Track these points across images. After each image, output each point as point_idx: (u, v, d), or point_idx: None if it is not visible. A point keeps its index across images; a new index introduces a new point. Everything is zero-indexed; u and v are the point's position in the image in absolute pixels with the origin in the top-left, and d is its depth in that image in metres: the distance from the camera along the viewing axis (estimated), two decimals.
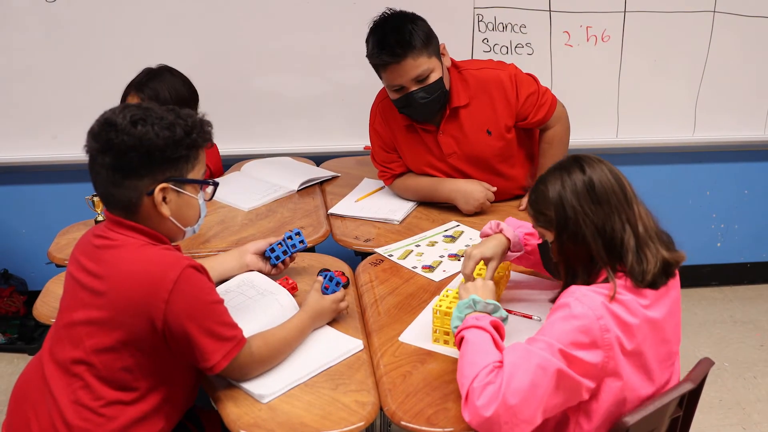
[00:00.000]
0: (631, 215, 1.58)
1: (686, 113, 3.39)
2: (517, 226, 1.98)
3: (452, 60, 2.46)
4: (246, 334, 1.64)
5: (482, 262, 1.88)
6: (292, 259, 2.08)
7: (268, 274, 2.04)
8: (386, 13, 2.36)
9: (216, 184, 1.71)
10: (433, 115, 2.44)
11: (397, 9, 2.37)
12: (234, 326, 1.60)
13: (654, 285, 1.56)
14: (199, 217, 1.69)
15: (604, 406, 1.53)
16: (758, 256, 3.81)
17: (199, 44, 3.03)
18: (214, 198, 2.31)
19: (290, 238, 2.07)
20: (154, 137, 1.53)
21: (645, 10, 3.16)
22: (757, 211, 3.70)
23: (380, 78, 2.40)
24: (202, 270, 1.58)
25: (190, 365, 1.62)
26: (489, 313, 1.64)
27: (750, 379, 3.12)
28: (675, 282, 1.63)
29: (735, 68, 3.32)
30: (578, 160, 1.62)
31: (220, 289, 1.95)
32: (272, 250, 2.05)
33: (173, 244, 1.67)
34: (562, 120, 2.55)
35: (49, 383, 1.59)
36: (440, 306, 1.77)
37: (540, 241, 1.85)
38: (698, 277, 3.76)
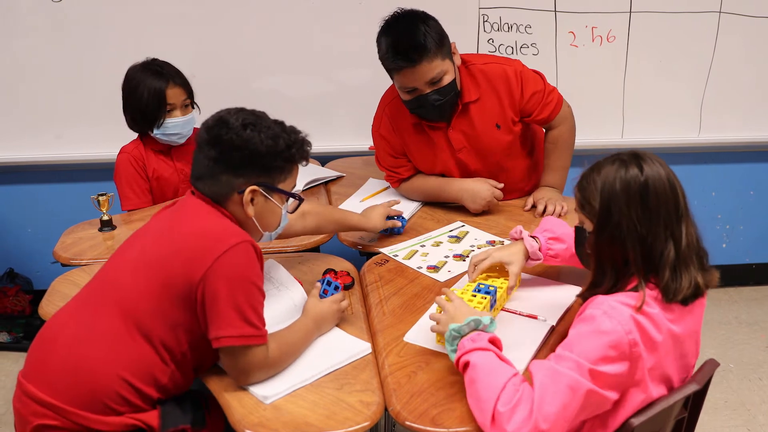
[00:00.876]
0: (678, 231, 1.52)
1: (692, 114, 3.39)
2: (545, 229, 1.98)
3: (465, 57, 2.46)
4: None
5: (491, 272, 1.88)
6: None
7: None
8: (397, 12, 2.34)
9: (301, 200, 1.83)
10: (445, 116, 2.45)
11: (407, 8, 2.36)
12: (262, 321, 1.63)
13: (684, 302, 1.53)
14: (279, 225, 1.80)
15: (624, 416, 1.52)
16: (764, 257, 3.80)
17: (204, 44, 3.04)
18: None
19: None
20: (258, 143, 1.66)
21: (650, 11, 3.16)
22: (762, 212, 3.69)
23: (392, 79, 2.39)
24: (260, 255, 1.66)
25: (202, 342, 1.63)
26: (476, 329, 1.61)
27: (755, 381, 3.11)
28: (702, 300, 1.60)
29: (741, 69, 3.31)
30: (638, 157, 1.55)
31: None
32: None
33: None
34: (567, 120, 2.55)
35: (72, 318, 1.69)
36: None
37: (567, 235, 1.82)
38: None
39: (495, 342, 1.59)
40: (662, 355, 1.51)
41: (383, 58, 2.33)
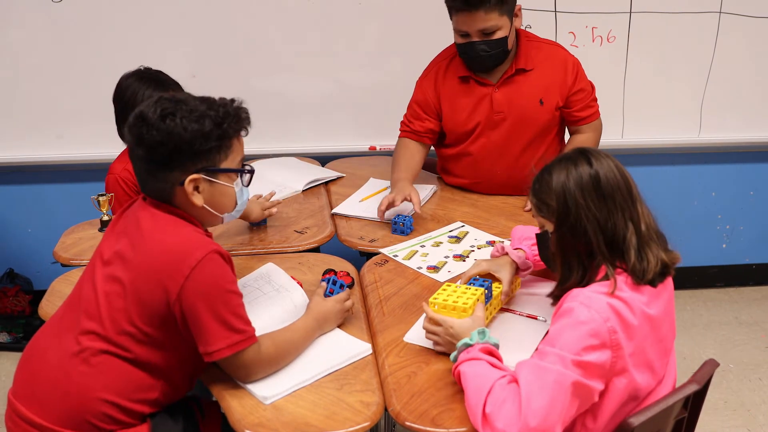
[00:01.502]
0: (635, 213, 1.58)
1: (692, 114, 3.39)
2: (523, 238, 1.99)
3: (527, 32, 2.56)
4: (258, 329, 1.64)
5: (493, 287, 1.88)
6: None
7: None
8: None
9: (251, 172, 1.75)
10: (486, 69, 2.51)
11: None
12: (247, 322, 1.61)
13: (652, 283, 1.57)
14: (236, 204, 1.73)
15: (611, 405, 1.53)
16: (764, 258, 3.80)
17: (205, 44, 3.04)
18: None
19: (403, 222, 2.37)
20: (181, 131, 1.57)
21: (650, 11, 3.16)
22: (762, 213, 3.69)
23: (451, 19, 2.44)
24: (228, 259, 1.61)
25: (189, 353, 1.62)
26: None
27: (755, 381, 3.11)
28: (669, 282, 1.63)
29: (741, 69, 3.31)
30: (585, 153, 1.61)
31: (238, 284, 1.96)
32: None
33: (208, 229, 1.73)
34: (597, 131, 2.63)
35: (56, 339, 1.65)
36: (436, 299, 1.76)
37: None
38: (703, 278, 3.75)
39: (490, 352, 1.59)
40: (641, 339, 1.53)
41: None
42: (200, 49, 3.03)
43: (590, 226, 1.56)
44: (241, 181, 1.73)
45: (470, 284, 1.84)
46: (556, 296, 1.64)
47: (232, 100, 1.68)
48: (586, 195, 1.56)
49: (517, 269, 1.94)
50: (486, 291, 1.80)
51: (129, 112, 2.42)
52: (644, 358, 1.55)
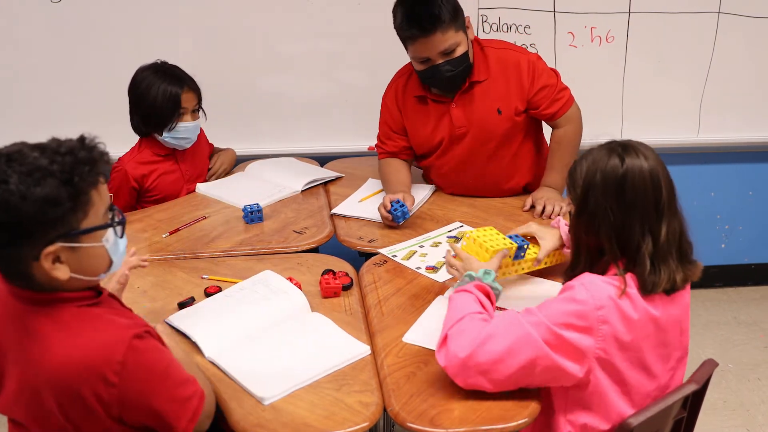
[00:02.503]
0: (656, 225, 1.53)
1: (691, 114, 3.39)
2: None
3: (476, 38, 2.51)
4: (258, 329, 1.63)
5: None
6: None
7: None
8: None
9: (123, 223, 1.43)
10: (455, 88, 2.48)
11: None
12: (190, 380, 1.46)
13: (664, 292, 1.55)
14: (111, 262, 1.41)
15: (601, 398, 1.54)
16: (762, 258, 3.80)
17: (205, 44, 3.03)
18: (219, 198, 2.22)
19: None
20: (18, 202, 1.24)
21: (649, 11, 3.16)
22: (761, 213, 3.69)
23: (406, 50, 2.42)
24: (145, 335, 1.38)
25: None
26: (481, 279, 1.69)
27: (754, 381, 3.11)
28: (686, 290, 1.61)
29: (740, 69, 3.31)
30: (625, 149, 1.57)
31: (236, 288, 1.96)
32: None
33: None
34: (574, 121, 2.57)
35: None
36: (471, 234, 1.84)
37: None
38: (702, 278, 3.68)
39: (486, 293, 1.63)
40: (640, 336, 1.52)
41: (398, 28, 2.37)
42: (200, 49, 3.03)
43: (604, 227, 1.54)
44: (114, 233, 1.40)
45: (508, 237, 1.88)
46: (564, 279, 1.67)
47: (82, 140, 1.35)
48: (607, 194, 1.53)
49: (563, 245, 1.95)
50: (518, 248, 1.84)
51: (142, 104, 2.48)
52: (639, 357, 1.55)
